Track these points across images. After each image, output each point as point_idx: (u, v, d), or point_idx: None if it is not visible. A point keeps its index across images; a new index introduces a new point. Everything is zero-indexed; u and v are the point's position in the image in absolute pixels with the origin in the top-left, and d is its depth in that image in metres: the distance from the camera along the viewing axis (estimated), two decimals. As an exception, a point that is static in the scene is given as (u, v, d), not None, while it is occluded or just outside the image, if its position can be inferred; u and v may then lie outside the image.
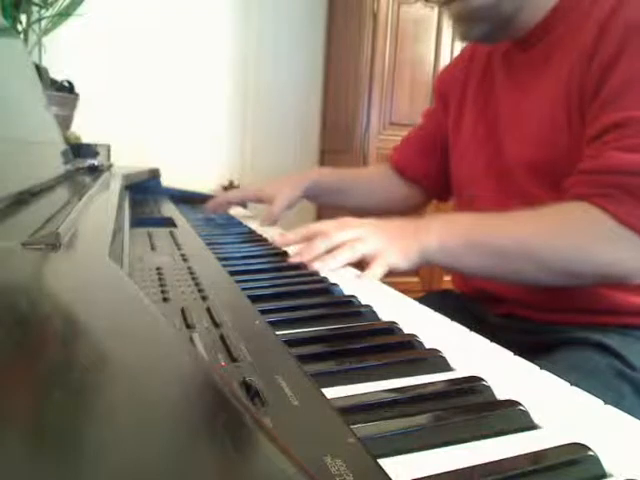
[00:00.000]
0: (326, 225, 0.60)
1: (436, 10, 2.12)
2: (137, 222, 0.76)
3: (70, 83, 1.47)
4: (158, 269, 0.49)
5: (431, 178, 0.91)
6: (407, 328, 0.39)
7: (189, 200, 1.22)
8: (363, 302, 0.45)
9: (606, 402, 0.29)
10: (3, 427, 0.13)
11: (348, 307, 0.45)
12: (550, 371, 0.33)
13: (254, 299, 0.42)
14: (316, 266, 0.56)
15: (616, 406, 0.28)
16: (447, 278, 2.01)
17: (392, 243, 0.57)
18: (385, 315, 0.42)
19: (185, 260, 0.54)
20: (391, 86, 2.12)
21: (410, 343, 0.36)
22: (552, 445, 0.24)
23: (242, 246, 0.70)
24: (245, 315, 0.38)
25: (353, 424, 0.23)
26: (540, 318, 0.69)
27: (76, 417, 0.14)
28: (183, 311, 0.36)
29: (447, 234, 0.59)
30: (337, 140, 2.34)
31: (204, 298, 0.40)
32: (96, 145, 1.32)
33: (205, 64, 2.24)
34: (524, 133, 0.68)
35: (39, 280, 0.28)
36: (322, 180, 0.96)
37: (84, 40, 1.96)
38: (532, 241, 0.57)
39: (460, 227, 0.60)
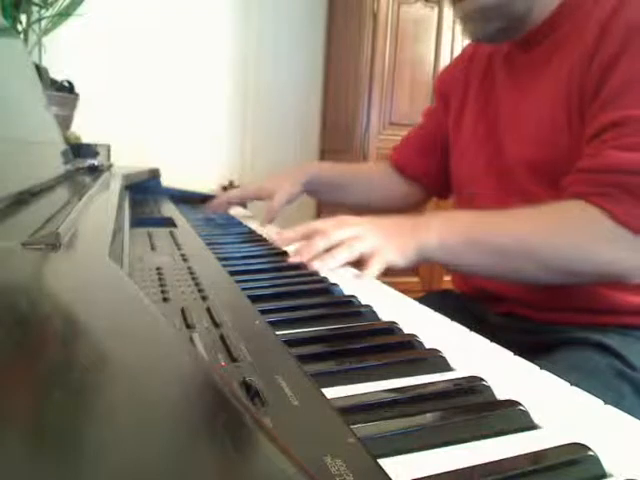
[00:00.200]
0: (324, 223, 0.60)
1: (436, 10, 2.12)
2: (137, 222, 0.76)
3: (70, 83, 1.47)
4: (158, 269, 0.49)
5: (431, 176, 0.91)
6: (407, 328, 0.39)
7: (189, 200, 1.21)
8: (363, 302, 0.45)
9: (606, 402, 0.29)
10: (3, 427, 0.13)
11: (348, 307, 0.45)
12: (550, 371, 0.33)
13: (254, 299, 0.42)
14: (315, 266, 0.56)
15: (616, 406, 0.28)
16: (447, 278, 2.01)
17: (390, 241, 0.57)
18: (385, 315, 0.42)
19: (185, 260, 0.54)
20: (391, 86, 2.12)
21: (410, 343, 0.36)
22: (552, 445, 0.24)
23: (242, 246, 0.70)
24: (245, 315, 0.38)
25: (353, 424, 0.23)
26: (540, 318, 0.69)
27: (76, 417, 0.14)
28: (183, 311, 0.36)
29: (446, 232, 0.59)
30: (337, 140, 2.34)
31: (204, 298, 0.40)
32: (96, 145, 1.32)
33: (205, 64, 2.24)
34: (524, 133, 0.68)
35: (39, 280, 0.28)
36: (322, 174, 0.95)
37: (84, 40, 1.96)
38: (531, 239, 0.57)
39: (459, 225, 0.60)
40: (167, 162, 1.61)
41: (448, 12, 2.06)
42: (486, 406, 0.27)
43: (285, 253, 0.65)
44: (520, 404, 0.27)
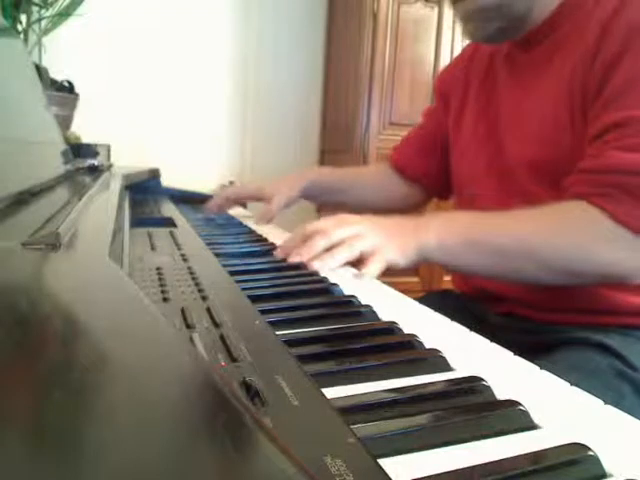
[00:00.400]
0: (324, 223, 0.60)
1: (436, 10, 2.12)
2: (137, 222, 0.76)
3: (70, 83, 1.47)
4: (158, 269, 0.49)
5: (431, 177, 0.91)
6: (407, 328, 0.39)
7: (189, 200, 1.21)
8: (363, 302, 0.45)
9: (606, 402, 0.29)
10: (3, 427, 0.13)
11: (348, 307, 0.45)
12: (550, 371, 0.33)
13: (254, 299, 0.42)
14: (315, 265, 0.56)
15: (616, 406, 0.28)
16: (447, 278, 2.00)
17: (390, 240, 0.57)
18: (385, 315, 0.42)
19: (185, 260, 0.54)
20: (391, 86, 2.12)
21: (410, 343, 0.36)
22: (552, 445, 0.24)
23: (242, 246, 0.70)
24: (245, 315, 0.38)
25: (353, 424, 0.23)
26: (540, 318, 0.69)
27: (76, 417, 0.14)
28: (183, 311, 0.36)
29: (446, 232, 0.59)
30: (337, 140, 2.34)
31: (204, 298, 0.40)
32: (96, 145, 1.32)
33: (205, 64, 2.24)
34: (526, 132, 0.68)
35: (39, 280, 0.28)
36: (321, 180, 0.96)
37: (84, 40, 1.96)
38: (532, 239, 0.57)
39: (459, 225, 0.60)
40: (167, 162, 1.61)
41: (448, 12, 2.06)
42: (486, 406, 0.27)
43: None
44: (520, 404, 0.27)
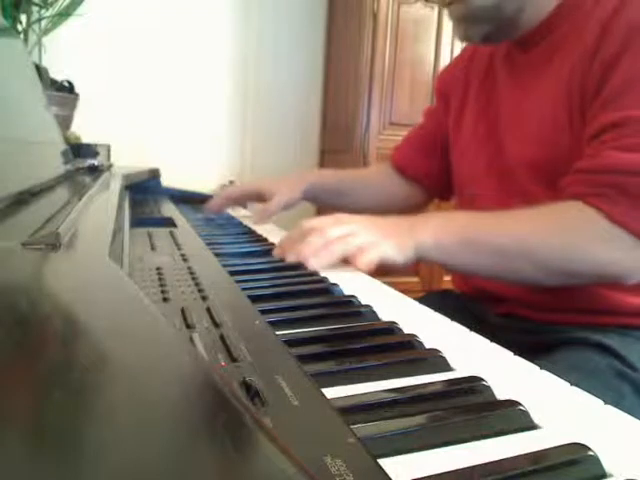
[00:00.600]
0: (320, 221, 0.60)
1: (436, 10, 2.12)
2: (137, 222, 0.76)
3: (70, 83, 1.47)
4: (158, 269, 0.49)
5: (432, 177, 0.91)
6: (407, 328, 0.39)
7: (189, 200, 1.22)
8: (363, 302, 0.45)
9: (606, 402, 0.29)
10: (3, 427, 0.13)
11: (348, 307, 0.45)
12: (550, 371, 0.33)
13: (254, 299, 0.42)
14: (311, 261, 0.56)
15: (616, 406, 0.28)
16: (447, 278, 2.01)
17: (387, 238, 0.57)
18: (385, 315, 0.42)
19: (185, 260, 0.54)
20: (391, 86, 2.12)
21: (410, 343, 0.36)
22: (552, 445, 0.24)
23: (242, 246, 0.70)
24: (245, 315, 0.38)
25: (353, 424, 0.23)
26: (540, 318, 0.69)
27: (76, 417, 0.14)
28: (183, 311, 0.36)
29: (442, 231, 0.59)
30: (337, 140, 2.34)
31: (204, 298, 0.40)
32: (96, 145, 1.32)
33: (205, 64, 2.24)
34: (525, 132, 0.68)
35: (39, 280, 0.28)
36: (322, 182, 0.95)
37: (84, 40, 1.96)
38: (528, 239, 0.57)
39: (456, 225, 0.60)
40: (167, 162, 1.61)
41: (448, 12, 2.06)
42: (486, 406, 0.27)
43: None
44: (520, 404, 0.27)
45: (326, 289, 0.50)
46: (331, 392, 0.27)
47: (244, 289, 0.45)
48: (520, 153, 0.69)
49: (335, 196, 0.96)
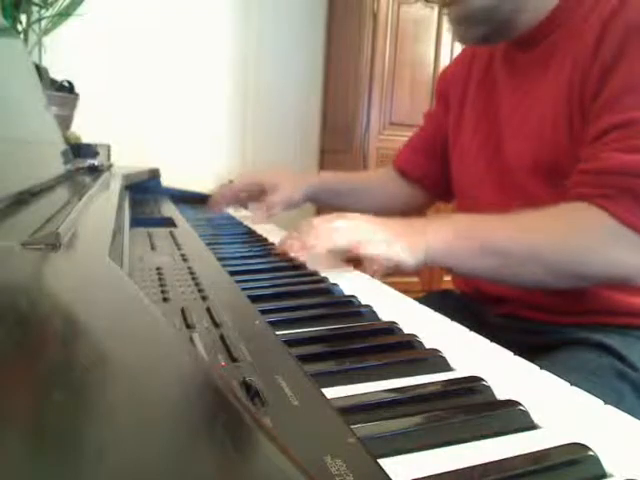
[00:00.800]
0: (322, 218, 0.60)
1: (436, 10, 2.12)
2: (137, 222, 0.76)
3: (70, 83, 1.46)
4: (158, 269, 0.49)
5: (433, 178, 0.91)
6: (407, 328, 0.39)
7: (189, 200, 1.21)
8: (363, 302, 0.45)
9: (606, 402, 0.29)
10: (3, 427, 0.13)
11: (348, 307, 0.45)
12: (550, 371, 0.33)
13: (254, 299, 0.42)
14: (317, 247, 0.55)
15: (616, 406, 0.28)
16: (447, 278, 2.00)
17: (399, 238, 0.56)
18: (385, 315, 0.42)
19: (185, 260, 0.54)
20: (391, 86, 2.12)
21: (410, 343, 0.36)
22: (552, 445, 0.24)
23: (242, 246, 0.70)
24: (245, 315, 0.38)
25: (353, 424, 0.23)
26: (540, 318, 0.69)
27: (76, 417, 0.14)
28: (183, 311, 0.36)
29: (452, 237, 0.58)
30: (337, 140, 2.34)
31: (204, 298, 0.40)
32: (96, 145, 1.32)
33: (205, 64, 2.24)
34: (525, 132, 0.68)
35: (39, 280, 0.28)
36: (323, 183, 0.95)
37: (84, 40, 1.95)
38: (538, 243, 0.57)
39: (465, 230, 0.59)
40: (167, 162, 1.61)
41: (448, 12, 2.06)
42: (486, 406, 0.27)
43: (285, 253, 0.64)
44: (520, 404, 0.27)
45: (326, 289, 0.50)
46: (331, 392, 0.27)
47: (244, 289, 0.45)
48: (520, 153, 0.68)
49: (336, 197, 0.96)
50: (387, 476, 0.19)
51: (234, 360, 0.28)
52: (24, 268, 0.29)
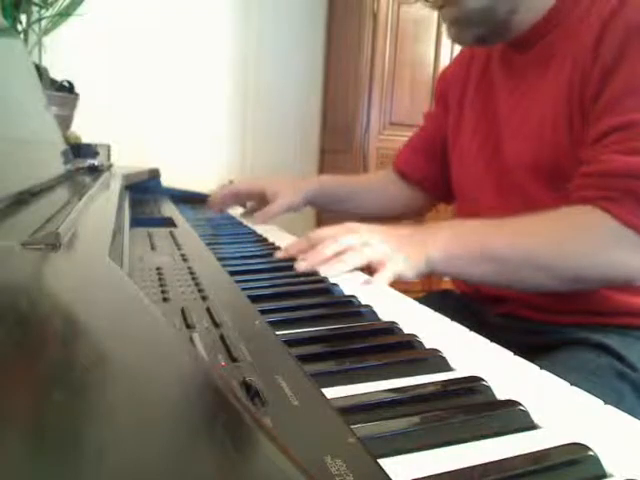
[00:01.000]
0: (332, 230, 0.59)
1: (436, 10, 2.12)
2: (137, 222, 0.76)
3: (70, 83, 1.47)
4: (158, 269, 0.49)
5: (433, 180, 0.91)
6: (407, 328, 0.39)
7: (189, 200, 1.21)
8: (363, 302, 0.45)
9: (606, 402, 0.29)
10: (3, 427, 0.13)
11: (348, 307, 0.45)
12: (550, 371, 0.33)
13: (254, 299, 0.42)
14: (322, 270, 0.54)
15: (616, 406, 0.28)
16: (447, 278, 2.00)
17: (400, 250, 0.56)
18: (385, 315, 0.42)
19: (185, 260, 0.54)
20: (391, 86, 2.12)
21: (410, 343, 0.36)
22: (552, 445, 0.24)
23: (242, 246, 0.70)
24: (245, 315, 0.38)
25: (353, 424, 0.23)
26: (540, 318, 0.69)
27: (76, 417, 0.14)
28: (183, 311, 0.36)
29: (453, 244, 0.58)
30: (337, 140, 2.34)
31: (204, 298, 0.40)
32: (96, 145, 1.32)
33: (205, 64, 2.24)
34: (525, 133, 0.68)
35: (39, 280, 0.28)
36: (324, 187, 0.95)
37: (84, 40, 1.96)
38: (542, 249, 0.56)
39: (466, 237, 0.59)
40: (167, 162, 1.61)
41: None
42: (486, 406, 0.27)
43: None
44: (520, 404, 0.27)
45: (326, 289, 0.50)
46: (331, 392, 0.27)
47: (244, 289, 0.45)
48: (519, 154, 0.68)
49: (337, 201, 0.96)
50: (387, 476, 0.19)
51: (234, 360, 0.28)
52: (24, 268, 0.29)
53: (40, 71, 1.23)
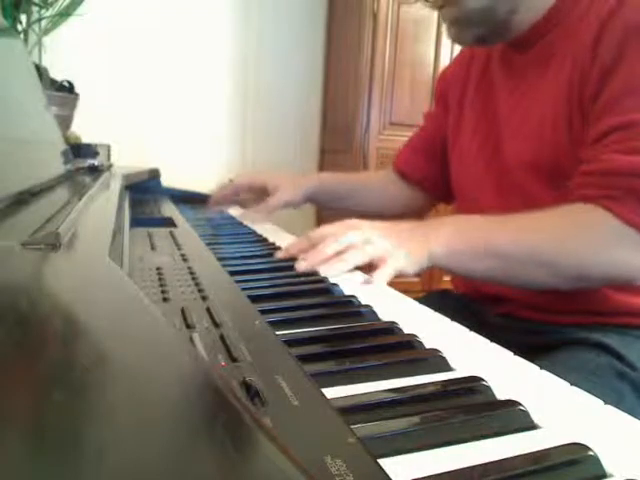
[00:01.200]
0: (332, 228, 0.59)
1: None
2: (137, 222, 0.76)
3: (70, 83, 1.46)
4: (158, 269, 0.49)
5: (433, 180, 0.91)
6: (407, 328, 0.39)
7: (189, 200, 1.21)
8: (363, 302, 0.45)
9: (606, 402, 0.29)
10: (3, 427, 0.13)
11: (348, 307, 0.45)
12: (550, 371, 0.33)
13: (254, 299, 0.42)
14: (323, 270, 0.54)
15: (616, 406, 0.28)
16: (447, 278, 2.00)
17: (400, 246, 0.56)
18: (385, 315, 0.42)
19: (185, 260, 0.54)
20: (391, 86, 2.12)
21: (410, 343, 0.36)
22: (552, 445, 0.24)
23: (242, 246, 0.70)
24: (245, 315, 0.38)
25: (353, 424, 0.23)
26: (540, 318, 0.69)
27: (76, 417, 0.14)
28: (183, 311, 0.36)
29: (455, 240, 0.58)
30: (337, 140, 2.34)
31: (204, 298, 0.40)
32: (96, 145, 1.32)
33: (205, 64, 2.24)
34: (524, 133, 0.68)
35: (39, 280, 0.28)
36: (324, 185, 0.95)
37: (84, 40, 1.96)
38: (543, 246, 0.57)
39: (468, 233, 0.59)
40: (167, 162, 1.61)
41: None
42: (486, 406, 0.27)
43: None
44: (520, 404, 0.27)
45: (326, 289, 0.50)
46: (331, 392, 0.27)
47: (244, 289, 0.45)
48: (519, 153, 0.68)
49: (337, 198, 0.96)
50: (387, 476, 0.19)
51: (234, 360, 0.28)
52: (24, 268, 0.29)
53: (40, 71, 1.23)
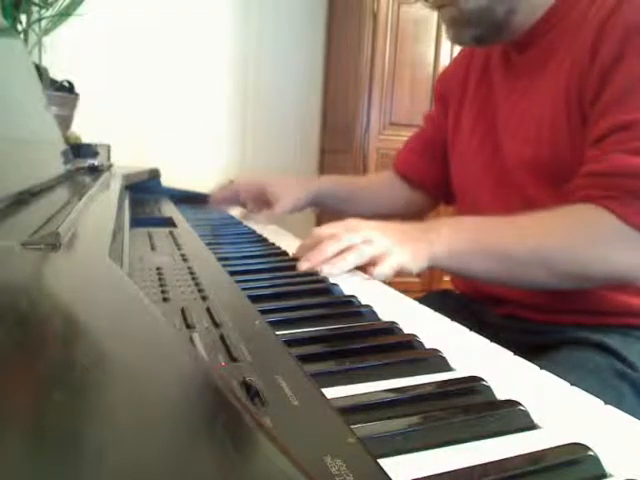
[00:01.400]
0: (333, 228, 0.59)
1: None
2: (137, 222, 0.76)
3: (70, 83, 1.46)
4: (158, 269, 0.49)
5: (434, 181, 0.91)
6: (407, 328, 0.39)
7: (189, 200, 1.21)
8: (363, 302, 0.45)
9: (606, 402, 0.29)
10: (3, 427, 0.13)
11: (348, 307, 0.45)
12: (550, 371, 0.33)
13: (254, 299, 0.42)
14: (325, 269, 0.54)
15: (616, 406, 0.28)
16: (447, 278, 2.00)
17: (401, 245, 0.56)
18: (385, 315, 0.42)
19: (185, 260, 0.54)
20: (391, 86, 2.12)
21: (410, 343, 0.36)
22: (552, 445, 0.24)
23: (242, 246, 0.70)
24: (245, 315, 0.38)
25: (353, 424, 0.23)
26: (541, 319, 0.69)
27: (76, 417, 0.14)
28: (183, 311, 0.36)
29: (456, 240, 0.58)
30: (337, 140, 2.34)
31: (204, 298, 0.40)
32: (96, 145, 1.32)
33: (205, 64, 2.24)
34: (524, 133, 0.68)
35: (39, 280, 0.28)
36: (325, 188, 0.95)
37: (84, 40, 1.96)
38: (543, 246, 0.57)
39: (469, 233, 0.59)
40: (167, 162, 1.61)
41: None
42: (486, 406, 0.27)
43: (285, 253, 0.64)
44: (520, 404, 0.27)
45: (326, 289, 0.50)
46: (331, 392, 0.27)
47: (244, 289, 0.45)
48: (518, 154, 0.68)
49: (338, 202, 0.95)
50: (387, 476, 0.19)
51: (234, 360, 0.28)
52: (24, 268, 0.29)
53: (40, 71, 1.23)
